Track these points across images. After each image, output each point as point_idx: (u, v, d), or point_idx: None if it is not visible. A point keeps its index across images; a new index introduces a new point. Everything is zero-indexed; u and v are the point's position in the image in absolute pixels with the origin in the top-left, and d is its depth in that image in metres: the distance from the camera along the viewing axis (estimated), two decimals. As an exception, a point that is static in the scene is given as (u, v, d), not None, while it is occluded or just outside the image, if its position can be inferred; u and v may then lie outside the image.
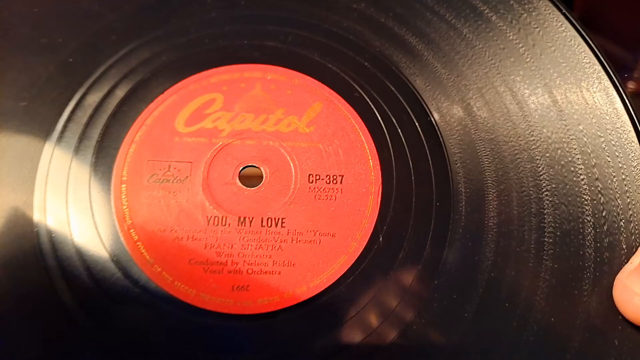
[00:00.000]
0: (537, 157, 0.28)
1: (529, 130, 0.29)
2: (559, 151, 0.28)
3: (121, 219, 0.27)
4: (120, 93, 0.28)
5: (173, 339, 0.26)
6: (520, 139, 0.29)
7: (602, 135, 0.28)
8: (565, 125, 0.28)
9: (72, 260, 0.26)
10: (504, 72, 0.30)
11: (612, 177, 0.28)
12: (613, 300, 0.26)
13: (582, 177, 0.28)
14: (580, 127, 0.28)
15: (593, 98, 0.29)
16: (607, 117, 0.28)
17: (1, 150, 0.27)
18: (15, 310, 0.25)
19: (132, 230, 0.27)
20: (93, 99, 0.28)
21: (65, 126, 0.28)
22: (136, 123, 0.28)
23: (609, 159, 0.28)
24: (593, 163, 0.28)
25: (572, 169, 0.28)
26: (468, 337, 0.26)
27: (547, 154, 0.28)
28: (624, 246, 0.27)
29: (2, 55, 0.28)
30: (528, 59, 0.30)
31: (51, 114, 0.28)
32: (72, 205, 0.27)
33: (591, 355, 0.26)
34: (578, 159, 0.28)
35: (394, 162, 0.28)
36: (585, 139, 0.28)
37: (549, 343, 0.26)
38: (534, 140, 0.29)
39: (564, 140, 0.28)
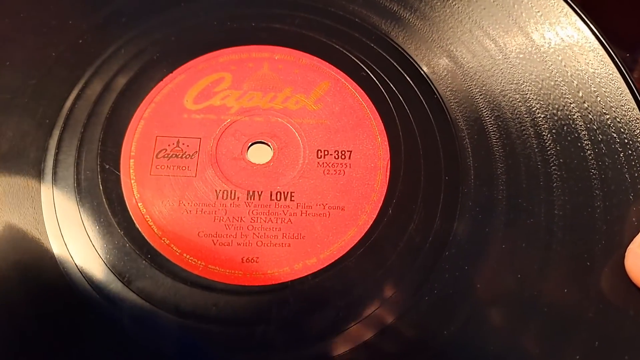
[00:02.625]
0: (544, 133, 0.35)
1: (537, 107, 0.36)
2: (565, 127, 0.35)
3: (129, 193, 0.31)
4: (129, 72, 0.33)
5: (182, 310, 0.29)
6: (525, 115, 0.35)
7: (607, 112, 0.35)
8: (577, 107, 0.35)
9: (79, 234, 0.31)
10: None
11: (618, 152, 0.32)
12: (625, 272, 0.30)
13: (589, 152, 0.34)
14: (587, 105, 0.35)
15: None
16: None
17: (12, 126, 0.33)
18: (22, 292, 0.29)
19: (140, 204, 0.31)
20: (103, 77, 0.33)
21: (74, 103, 0.33)
22: (145, 100, 0.33)
23: (615, 135, 0.33)
24: (600, 139, 0.35)
25: (579, 144, 0.35)
26: (479, 308, 0.30)
27: (554, 130, 0.35)
28: (634, 219, 0.33)
29: (13, 36, 0.36)
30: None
31: (60, 92, 0.33)
32: (81, 178, 0.31)
33: (606, 325, 0.29)
34: (584, 134, 0.35)
35: (401, 137, 0.33)
36: (591, 117, 0.35)
37: (563, 313, 0.30)
38: (542, 116, 0.35)
39: (569, 116, 0.35)
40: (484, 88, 0.34)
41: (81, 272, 0.29)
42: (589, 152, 0.33)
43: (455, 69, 0.34)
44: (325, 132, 0.33)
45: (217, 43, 0.34)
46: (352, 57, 0.35)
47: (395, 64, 0.35)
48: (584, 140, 0.33)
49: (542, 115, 0.33)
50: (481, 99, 0.34)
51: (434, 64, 0.35)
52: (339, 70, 0.34)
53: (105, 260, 0.29)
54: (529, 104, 0.33)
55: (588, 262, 0.30)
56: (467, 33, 0.35)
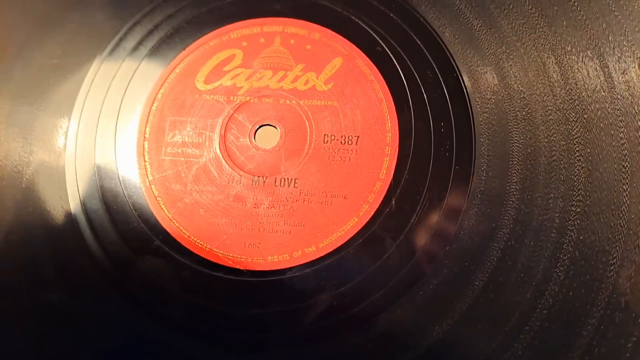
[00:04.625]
0: (572, 118, 0.37)
1: (567, 89, 0.38)
2: (599, 112, 0.37)
3: (143, 175, 0.36)
4: (144, 50, 0.37)
5: (188, 290, 0.34)
6: (556, 98, 0.38)
7: None
8: (610, 85, 0.37)
9: (98, 212, 0.40)
10: (546, 26, 0.39)
11: None
12: None
13: (623, 141, 0.37)
14: (627, 86, 0.36)
15: None
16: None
17: (33, 111, 0.42)
18: (46, 259, 0.36)
19: (153, 187, 0.36)
20: (119, 56, 0.38)
21: (91, 83, 0.39)
22: (158, 80, 0.37)
23: None
24: (638, 126, 0.37)
25: (613, 132, 0.37)
26: (477, 306, 0.32)
27: (585, 115, 0.37)
28: None
29: (32, 17, 0.44)
30: (578, 11, 0.37)
31: (80, 72, 0.39)
32: (100, 162, 0.37)
33: (610, 333, 0.32)
34: (621, 120, 0.37)
35: (413, 122, 0.35)
36: (631, 99, 0.37)
37: (565, 317, 0.32)
38: (570, 99, 0.38)
39: (606, 99, 0.37)
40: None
41: (98, 244, 0.37)
42: (623, 141, 0.35)
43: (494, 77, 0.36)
44: (333, 115, 0.37)
45: (229, 16, 0.38)
46: (368, 29, 0.38)
47: (414, 36, 0.38)
48: (620, 127, 0.35)
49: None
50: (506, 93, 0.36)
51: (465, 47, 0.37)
52: (352, 45, 0.37)
53: (120, 238, 0.38)
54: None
55: (601, 265, 0.32)
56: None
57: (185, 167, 0.35)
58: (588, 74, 0.33)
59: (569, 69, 0.33)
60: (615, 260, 0.33)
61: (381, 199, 0.34)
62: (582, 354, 0.32)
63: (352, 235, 0.35)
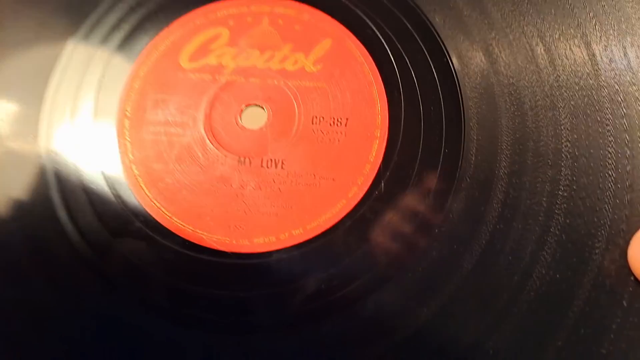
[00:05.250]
0: (560, 104, 0.38)
1: (555, 76, 0.38)
2: (585, 98, 0.38)
3: (124, 154, 0.35)
4: (126, 27, 0.36)
5: (170, 273, 0.34)
6: (544, 84, 0.38)
7: (636, 83, 0.37)
8: (596, 73, 0.38)
9: (75, 193, 0.37)
10: (534, 13, 0.39)
11: None
12: (626, 260, 0.33)
13: (608, 127, 0.38)
14: (613, 74, 0.38)
15: (636, 54, 0.36)
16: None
17: (6, 84, 0.39)
18: (19, 241, 0.35)
19: (133, 166, 0.35)
20: (100, 31, 0.37)
21: (69, 57, 0.37)
22: (140, 57, 0.36)
23: None
24: (623, 113, 0.38)
25: (599, 118, 0.38)
26: (464, 289, 0.33)
27: (572, 102, 0.38)
28: None
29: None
30: (565, 0, 0.37)
31: (57, 49, 0.37)
32: (78, 140, 0.35)
33: (596, 314, 0.32)
34: (607, 107, 0.38)
35: (403, 105, 0.35)
36: (617, 87, 0.38)
37: (551, 299, 0.32)
38: (558, 85, 0.38)
39: (593, 86, 0.38)
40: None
41: (74, 226, 0.35)
42: (608, 127, 0.36)
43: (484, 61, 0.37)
44: (322, 97, 0.36)
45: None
46: (358, 11, 0.38)
47: (404, 19, 0.38)
48: (606, 114, 0.36)
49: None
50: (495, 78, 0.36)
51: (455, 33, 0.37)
52: (342, 27, 0.37)
53: (98, 219, 0.36)
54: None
55: (587, 248, 0.33)
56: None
57: (167, 146, 0.34)
58: (575, 61, 0.33)
59: (557, 56, 0.34)
60: (600, 243, 0.33)
61: (370, 181, 0.34)
62: (568, 335, 0.32)
63: (340, 217, 0.35)
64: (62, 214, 0.34)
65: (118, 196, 0.34)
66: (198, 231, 0.33)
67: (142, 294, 0.33)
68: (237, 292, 0.34)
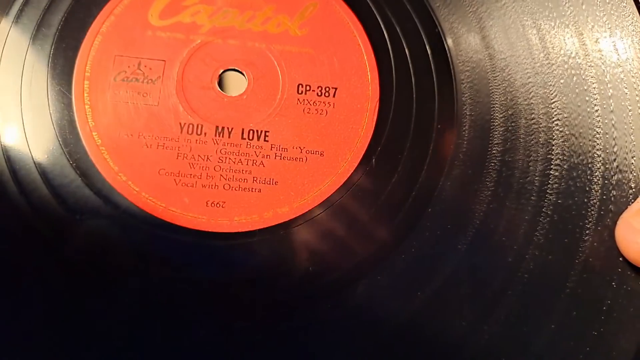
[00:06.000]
0: (550, 82, 0.37)
1: (545, 53, 0.37)
2: (574, 78, 0.38)
3: (83, 120, 0.31)
4: None
5: (139, 256, 0.30)
6: (535, 61, 0.38)
7: (621, 65, 0.37)
8: (585, 52, 0.37)
9: (25, 163, 0.33)
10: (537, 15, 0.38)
11: (627, 110, 0.37)
12: (615, 241, 0.32)
13: (596, 107, 0.37)
14: (600, 55, 0.37)
15: (624, 46, 0.38)
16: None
17: None
18: None
19: (94, 134, 0.31)
20: None
21: (21, 10, 0.32)
22: (103, 12, 0.32)
23: (627, 91, 0.37)
24: (610, 94, 0.38)
25: (587, 98, 0.38)
26: (460, 270, 0.32)
27: (562, 80, 0.37)
28: (632, 185, 0.34)
29: None
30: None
31: None
32: (27, 102, 0.31)
33: (586, 296, 0.32)
34: (594, 87, 0.37)
35: (394, 76, 0.33)
36: (603, 67, 0.38)
37: (544, 281, 0.32)
38: (548, 63, 0.38)
39: (581, 65, 0.37)
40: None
41: (29, 205, 0.31)
42: (596, 107, 0.35)
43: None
44: (308, 64, 0.34)
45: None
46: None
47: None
48: (593, 94, 0.35)
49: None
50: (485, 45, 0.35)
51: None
52: (329, -12, 0.35)
53: (54, 196, 0.31)
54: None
55: (577, 229, 0.33)
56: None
57: (134, 112, 0.30)
58: (564, 39, 0.33)
59: (547, 33, 0.33)
60: (590, 224, 0.33)
61: (360, 156, 0.32)
62: (561, 318, 0.32)
63: (328, 195, 0.33)
64: (11, 189, 0.29)
65: (78, 168, 0.29)
66: (171, 209, 0.30)
67: (106, 279, 0.29)
68: (216, 276, 0.30)
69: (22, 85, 0.30)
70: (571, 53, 0.34)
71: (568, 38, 0.35)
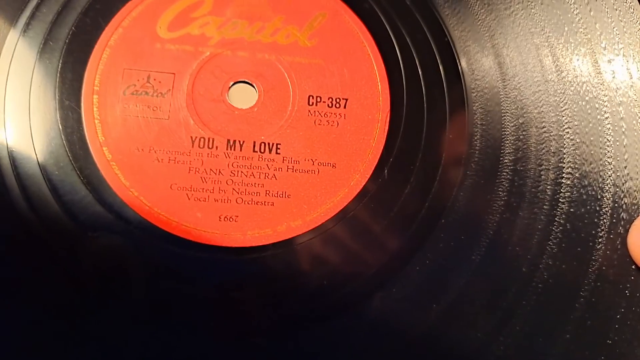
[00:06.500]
0: (560, 90, 0.37)
1: (553, 60, 0.37)
2: (584, 85, 0.37)
3: (92, 135, 0.31)
4: None
5: (151, 272, 0.30)
6: (544, 69, 0.37)
7: (630, 73, 0.37)
8: (594, 61, 0.37)
9: (35, 179, 0.30)
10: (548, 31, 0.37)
11: (637, 117, 0.37)
12: (627, 249, 0.32)
13: (606, 115, 0.37)
14: (610, 64, 0.37)
15: (633, 55, 0.37)
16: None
17: None
18: None
19: (105, 149, 0.31)
20: None
21: (28, 24, 0.31)
22: (111, 24, 0.31)
23: (636, 97, 0.37)
24: (619, 101, 0.37)
25: (597, 105, 0.37)
26: (474, 281, 0.31)
27: (572, 88, 0.37)
28: None
29: None
30: (579, 21, 0.36)
31: (11, 9, 0.31)
32: (36, 117, 0.30)
33: (600, 305, 0.32)
34: (604, 95, 0.37)
35: (405, 87, 0.33)
36: (613, 75, 0.37)
37: (558, 290, 0.32)
38: (558, 70, 0.37)
39: (591, 73, 0.37)
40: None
41: (40, 222, 0.31)
42: (606, 115, 0.35)
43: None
44: (318, 75, 0.33)
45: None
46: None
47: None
48: (603, 101, 0.35)
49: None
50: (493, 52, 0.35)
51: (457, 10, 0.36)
52: (338, 0, 0.35)
53: (65, 212, 0.31)
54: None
55: (590, 237, 0.32)
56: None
57: (145, 126, 0.30)
58: (574, 48, 0.32)
59: (556, 42, 0.33)
60: (603, 232, 0.33)
61: (372, 167, 0.32)
62: (575, 328, 0.32)
63: (341, 207, 0.32)
64: (21, 205, 0.28)
65: (89, 184, 0.29)
66: (184, 224, 0.30)
67: (119, 295, 0.28)
68: (229, 291, 0.31)
69: (30, 100, 0.30)
70: (581, 61, 0.34)
71: (577, 47, 0.35)
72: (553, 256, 0.33)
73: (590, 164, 0.34)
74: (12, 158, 0.29)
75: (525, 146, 0.34)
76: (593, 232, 0.33)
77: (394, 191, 0.33)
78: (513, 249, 0.33)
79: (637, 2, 0.34)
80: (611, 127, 0.34)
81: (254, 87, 0.31)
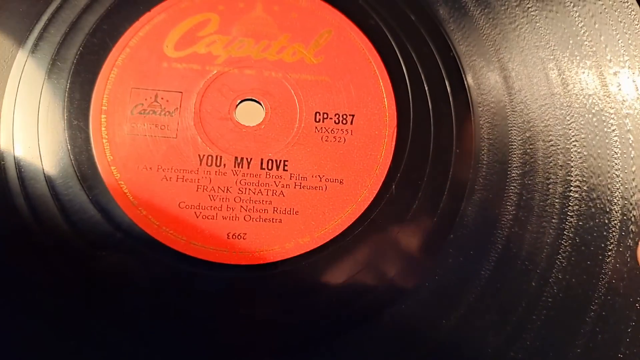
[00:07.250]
0: (566, 103, 0.37)
1: (559, 74, 0.37)
2: (590, 98, 0.37)
3: (101, 154, 0.31)
4: (100, 9, 0.32)
5: (160, 290, 0.30)
6: (550, 82, 0.37)
7: (637, 84, 0.37)
8: (600, 74, 0.37)
9: (44, 199, 0.30)
10: (553, 44, 0.38)
11: None
12: (637, 262, 0.32)
13: (613, 127, 0.37)
14: (616, 77, 0.37)
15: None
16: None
17: None
18: None
19: (113, 168, 0.31)
20: (68, 14, 0.32)
21: (36, 45, 0.31)
22: (119, 44, 0.32)
23: None
24: (626, 113, 0.37)
25: (604, 118, 0.37)
26: (484, 296, 0.31)
27: (578, 101, 0.37)
28: None
29: None
30: (584, 34, 0.37)
31: (19, 30, 0.32)
32: (44, 137, 0.30)
33: (611, 319, 0.32)
34: (611, 107, 0.37)
35: (411, 102, 0.33)
36: (619, 88, 0.37)
37: (569, 304, 0.32)
38: (564, 83, 0.37)
39: (597, 86, 0.37)
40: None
41: (49, 242, 0.31)
42: (613, 127, 0.35)
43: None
44: (325, 91, 0.33)
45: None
46: (360, 1, 0.35)
47: (407, 11, 0.35)
48: (610, 113, 0.35)
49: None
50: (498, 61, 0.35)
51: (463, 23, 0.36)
52: (343, 16, 0.34)
53: (74, 232, 0.31)
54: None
55: (599, 251, 0.32)
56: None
57: (153, 145, 0.30)
58: (580, 62, 0.32)
59: (562, 56, 0.33)
60: (612, 245, 0.33)
61: (380, 183, 0.32)
62: (586, 342, 0.32)
63: (349, 223, 0.32)
64: (31, 224, 0.29)
65: (97, 203, 0.29)
66: (192, 242, 0.29)
67: (128, 314, 0.28)
68: (238, 309, 0.30)
69: (39, 120, 0.30)
70: (586, 74, 0.33)
71: (583, 60, 0.35)
72: (562, 270, 0.32)
73: (598, 176, 0.34)
74: (21, 178, 0.29)
75: (532, 160, 0.34)
76: (602, 245, 0.33)
77: (402, 207, 0.33)
78: (522, 264, 0.32)
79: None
80: (618, 140, 0.34)
81: (261, 104, 0.31)
